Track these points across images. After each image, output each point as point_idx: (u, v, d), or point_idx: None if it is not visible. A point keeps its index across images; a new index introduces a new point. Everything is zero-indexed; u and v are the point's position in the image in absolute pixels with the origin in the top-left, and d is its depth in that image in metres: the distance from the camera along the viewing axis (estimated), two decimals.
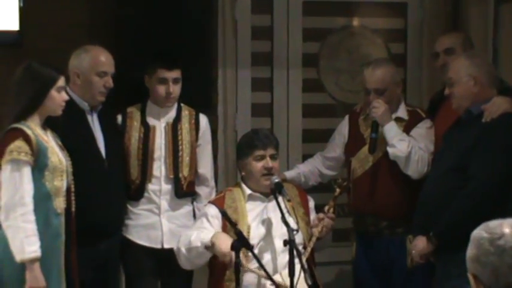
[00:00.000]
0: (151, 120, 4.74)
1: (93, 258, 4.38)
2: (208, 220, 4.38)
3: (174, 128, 4.73)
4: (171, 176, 4.68)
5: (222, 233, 4.24)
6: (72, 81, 4.47)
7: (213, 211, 4.38)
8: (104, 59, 4.51)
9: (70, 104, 4.23)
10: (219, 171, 5.60)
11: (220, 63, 5.81)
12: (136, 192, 4.70)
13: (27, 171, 3.88)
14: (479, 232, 2.35)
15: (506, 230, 2.30)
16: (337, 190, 4.62)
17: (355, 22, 6.09)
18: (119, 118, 4.75)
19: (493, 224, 2.34)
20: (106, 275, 4.57)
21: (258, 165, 4.42)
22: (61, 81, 4.04)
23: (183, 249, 4.34)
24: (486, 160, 4.00)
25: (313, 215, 4.56)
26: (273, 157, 4.45)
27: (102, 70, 4.48)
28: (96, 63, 4.48)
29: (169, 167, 4.68)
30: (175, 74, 4.69)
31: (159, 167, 4.69)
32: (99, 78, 4.48)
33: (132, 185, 4.71)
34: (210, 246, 4.19)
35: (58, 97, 4.02)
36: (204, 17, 5.79)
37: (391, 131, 4.64)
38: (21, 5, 5.37)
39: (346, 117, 5.00)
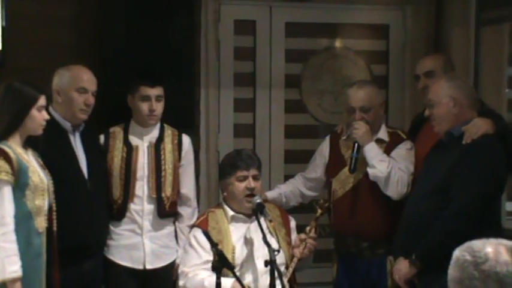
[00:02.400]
0: (134, 140, 4.75)
1: (76, 278, 4.37)
2: (202, 247, 4.34)
3: (156, 148, 4.73)
4: (154, 196, 4.69)
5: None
6: (54, 100, 4.48)
7: (201, 237, 4.33)
8: (84, 76, 4.52)
9: (52, 123, 4.24)
10: (201, 191, 5.60)
11: (203, 84, 5.83)
12: (119, 212, 4.70)
13: (7, 191, 3.88)
14: (463, 254, 2.33)
15: (491, 255, 2.28)
16: (319, 211, 4.64)
17: (338, 44, 6.13)
18: (102, 138, 4.75)
19: (476, 246, 2.32)
20: None
21: (241, 185, 4.43)
22: (42, 100, 4.03)
23: None
24: (467, 181, 4.02)
25: (294, 235, 4.57)
26: (255, 178, 4.46)
27: (81, 86, 4.49)
28: (76, 79, 4.50)
29: (152, 187, 4.68)
30: (158, 91, 4.70)
31: (142, 187, 4.69)
32: (78, 94, 4.48)
33: (114, 205, 4.70)
34: None
35: (39, 116, 4.02)
36: (187, 38, 5.82)
37: (371, 151, 4.66)
38: (4, 24, 5.39)
39: (327, 138, 5.02)
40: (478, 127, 4.13)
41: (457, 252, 2.36)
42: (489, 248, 2.31)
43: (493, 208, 4.10)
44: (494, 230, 3.86)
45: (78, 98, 4.48)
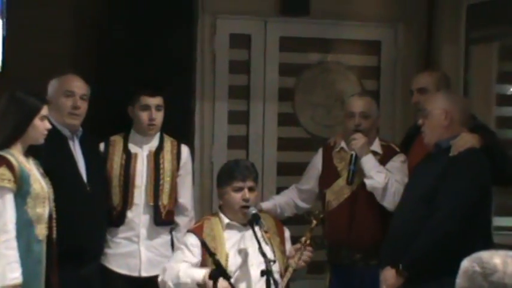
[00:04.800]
0: (133, 148, 4.75)
1: (75, 284, 4.35)
2: (189, 249, 4.35)
3: (156, 157, 4.74)
4: (151, 204, 4.69)
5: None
6: (49, 108, 4.52)
7: (192, 240, 4.36)
8: (71, 81, 4.53)
9: (52, 131, 4.19)
10: (194, 201, 5.65)
11: (198, 95, 5.88)
12: (117, 219, 4.69)
13: (9, 198, 3.86)
14: (471, 265, 2.32)
15: (500, 266, 2.28)
16: (314, 222, 4.64)
17: (331, 58, 6.18)
18: (102, 146, 4.76)
19: (485, 257, 2.31)
20: None
21: (236, 196, 4.41)
22: (44, 110, 4.02)
23: (171, 284, 4.27)
24: (451, 192, 4.03)
25: (288, 245, 4.56)
26: (251, 189, 4.43)
27: (68, 89, 4.50)
28: (62, 84, 4.51)
29: (150, 195, 4.69)
30: (158, 101, 4.72)
31: (140, 195, 4.69)
32: (65, 98, 4.49)
33: (113, 211, 4.70)
34: (203, 284, 4.15)
35: (41, 126, 4.01)
36: (183, 50, 5.88)
37: (369, 162, 4.69)
38: (4, 34, 5.43)
39: (320, 150, 5.01)
40: (465, 141, 4.17)
41: (465, 263, 2.36)
42: (498, 259, 2.30)
43: (482, 221, 4.12)
44: (484, 243, 3.92)
45: (66, 102, 4.49)
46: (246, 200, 4.42)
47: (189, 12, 5.92)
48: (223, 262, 4.19)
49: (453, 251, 3.74)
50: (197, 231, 4.43)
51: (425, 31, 6.11)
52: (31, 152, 4.09)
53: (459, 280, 2.34)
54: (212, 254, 4.11)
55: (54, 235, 4.09)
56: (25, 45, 5.54)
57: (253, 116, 6.02)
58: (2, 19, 5.46)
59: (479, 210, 4.10)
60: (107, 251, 4.73)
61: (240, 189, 4.45)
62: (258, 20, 6.03)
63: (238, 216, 4.44)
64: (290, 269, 4.42)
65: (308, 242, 4.53)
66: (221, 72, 5.94)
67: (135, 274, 4.74)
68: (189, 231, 4.52)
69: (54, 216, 4.10)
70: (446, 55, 5.89)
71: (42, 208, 4.00)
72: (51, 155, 4.23)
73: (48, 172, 4.15)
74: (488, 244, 4.06)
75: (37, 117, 4.00)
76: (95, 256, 4.62)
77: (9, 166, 3.89)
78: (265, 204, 4.98)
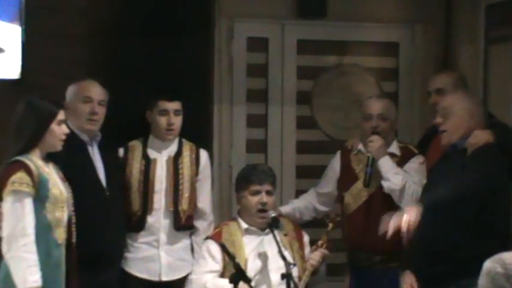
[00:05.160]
0: (152, 153, 4.75)
1: None
2: (212, 257, 4.37)
3: (175, 162, 4.74)
4: (171, 209, 4.68)
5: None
6: (67, 114, 4.55)
7: (213, 247, 4.38)
8: (89, 87, 4.56)
9: (71, 136, 4.22)
10: (213, 205, 5.65)
11: (216, 99, 5.88)
12: (137, 224, 4.71)
13: (28, 203, 3.88)
14: (494, 266, 2.32)
15: None
16: (330, 225, 4.64)
17: (348, 61, 6.16)
18: (121, 151, 4.76)
19: (507, 258, 2.31)
20: None
21: (253, 200, 4.43)
22: (61, 115, 4.03)
23: None
24: (461, 179, 4.07)
25: (307, 250, 4.55)
26: (268, 193, 4.45)
27: (85, 95, 4.52)
28: (80, 91, 4.54)
29: (169, 200, 4.68)
30: (176, 105, 4.73)
31: (160, 200, 4.69)
32: (83, 104, 4.52)
33: (133, 217, 4.71)
34: None
35: (58, 131, 4.02)
36: (201, 54, 5.89)
37: (386, 165, 4.67)
38: (23, 42, 5.47)
39: (338, 153, 5.00)
40: (479, 138, 4.19)
41: (488, 264, 2.36)
42: None
43: (497, 216, 4.10)
44: (499, 240, 3.93)
45: (84, 108, 4.52)
46: (263, 204, 4.43)
47: (206, 16, 5.92)
48: (242, 267, 4.19)
49: (468, 252, 3.75)
50: (216, 237, 4.43)
51: (444, 32, 6.08)
52: (51, 156, 4.10)
53: (481, 281, 2.34)
54: (232, 257, 4.12)
55: (74, 239, 4.11)
56: (43, 52, 5.56)
57: (271, 120, 6.01)
58: (20, 26, 5.50)
59: (488, 200, 4.07)
60: (127, 255, 4.74)
61: (258, 192, 4.46)
62: (275, 23, 6.02)
63: (255, 220, 4.45)
64: (307, 272, 4.42)
65: (325, 245, 4.53)
66: (239, 76, 5.94)
67: (155, 279, 4.74)
68: (208, 238, 4.53)
69: (73, 220, 4.11)
70: (464, 55, 5.86)
71: (61, 212, 4.01)
72: (70, 160, 4.23)
73: (68, 177, 4.16)
74: (507, 241, 4.04)
75: (54, 122, 4.02)
76: (114, 261, 4.63)
77: (28, 171, 3.91)
78: (284, 209, 4.98)
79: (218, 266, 4.34)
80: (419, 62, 6.11)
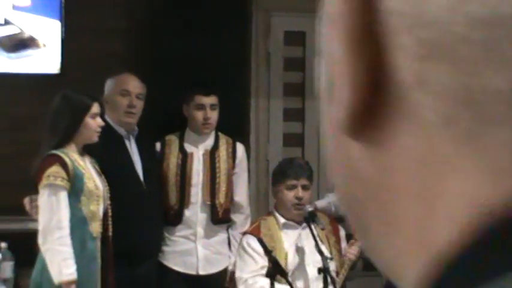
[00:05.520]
0: (189, 147, 4.76)
1: (131, 282, 4.37)
2: (258, 254, 4.33)
3: (211, 156, 4.76)
4: (208, 203, 4.70)
5: None
6: (105, 108, 4.60)
7: (254, 243, 4.35)
8: (127, 80, 4.58)
9: (108, 130, 4.27)
10: (250, 199, 5.67)
11: (253, 94, 5.90)
12: (175, 218, 4.74)
13: (63, 196, 3.91)
14: None
15: None
16: None
17: None
18: (158, 145, 4.79)
19: None
20: None
21: (289, 194, 4.41)
22: (95, 108, 4.06)
23: None
24: None
25: (344, 244, 4.54)
26: (305, 187, 4.43)
27: (124, 88, 4.54)
28: (118, 83, 4.56)
29: (206, 194, 4.70)
30: (212, 100, 4.74)
31: (196, 194, 4.71)
32: (122, 97, 4.53)
33: (171, 211, 4.73)
34: None
35: (93, 123, 4.04)
36: (238, 49, 5.90)
37: None
38: (63, 37, 5.52)
39: None
40: None
41: None
42: None
43: None
44: None
45: (122, 101, 4.53)
46: (299, 198, 4.42)
47: (243, 11, 5.93)
48: (282, 261, 4.20)
49: None
50: (255, 232, 4.44)
51: None
52: (87, 150, 4.13)
53: None
54: (269, 251, 4.13)
55: (110, 233, 4.14)
56: (82, 47, 5.61)
57: (308, 113, 6.01)
58: (60, 21, 5.55)
59: None
60: (165, 248, 4.77)
61: (294, 187, 4.45)
62: (312, 17, 5.92)
63: (292, 214, 4.44)
64: (346, 266, 4.41)
65: None
66: (276, 70, 5.94)
67: (193, 272, 4.77)
68: (246, 233, 4.53)
69: (109, 214, 4.15)
70: None
71: (96, 206, 4.04)
72: (107, 154, 4.27)
73: (105, 171, 4.19)
74: None
75: (88, 115, 4.04)
76: (151, 254, 4.64)
77: (63, 164, 3.94)
78: (320, 203, 4.97)
79: (265, 261, 4.34)
80: None
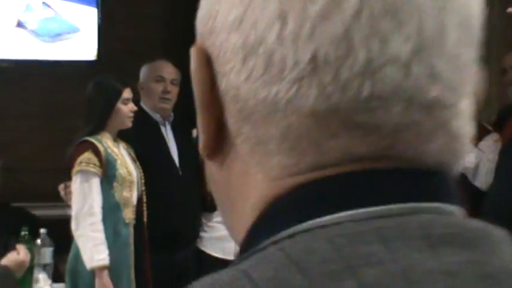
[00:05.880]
0: None
1: (169, 268, 4.38)
2: None
3: None
4: None
5: None
6: (141, 94, 4.57)
7: None
8: (162, 66, 4.56)
9: (144, 116, 4.29)
10: None
11: None
12: (211, 205, 4.77)
13: (96, 182, 3.93)
14: None
15: None
16: None
17: None
18: (194, 132, 4.77)
19: None
20: (182, 285, 4.65)
21: None
22: (126, 93, 4.06)
23: None
24: None
25: None
26: None
27: (158, 74, 4.52)
28: (153, 70, 4.55)
29: None
30: None
31: None
32: (156, 83, 4.51)
33: (208, 197, 4.79)
34: None
35: (125, 109, 4.04)
36: None
37: None
38: (99, 23, 5.56)
39: None
40: None
41: None
42: None
43: None
44: None
45: (157, 87, 4.51)
46: None
47: None
48: None
49: None
50: None
51: None
52: (122, 136, 4.15)
53: None
54: None
55: (145, 219, 4.14)
56: (119, 34, 5.64)
57: None
58: (97, 8, 5.59)
59: None
60: (203, 234, 4.78)
61: None
62: None
63: None
64: None
65: None
66: None
67: (231, 257, 4.78)
68: None
69: (144, 200, 4.15)
70: None
71: (129, 192, 4.04)
72: (143, 140, 4.28)
73: (141, 156, 4.20)
74: None
75: (119, 101, 4.04)
76: (189, 240, 4.64)
77: (95, 151, 3.95)
78: None
79: None
80: (496, 38, 5.99)
